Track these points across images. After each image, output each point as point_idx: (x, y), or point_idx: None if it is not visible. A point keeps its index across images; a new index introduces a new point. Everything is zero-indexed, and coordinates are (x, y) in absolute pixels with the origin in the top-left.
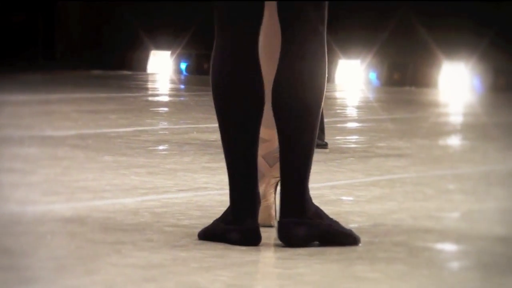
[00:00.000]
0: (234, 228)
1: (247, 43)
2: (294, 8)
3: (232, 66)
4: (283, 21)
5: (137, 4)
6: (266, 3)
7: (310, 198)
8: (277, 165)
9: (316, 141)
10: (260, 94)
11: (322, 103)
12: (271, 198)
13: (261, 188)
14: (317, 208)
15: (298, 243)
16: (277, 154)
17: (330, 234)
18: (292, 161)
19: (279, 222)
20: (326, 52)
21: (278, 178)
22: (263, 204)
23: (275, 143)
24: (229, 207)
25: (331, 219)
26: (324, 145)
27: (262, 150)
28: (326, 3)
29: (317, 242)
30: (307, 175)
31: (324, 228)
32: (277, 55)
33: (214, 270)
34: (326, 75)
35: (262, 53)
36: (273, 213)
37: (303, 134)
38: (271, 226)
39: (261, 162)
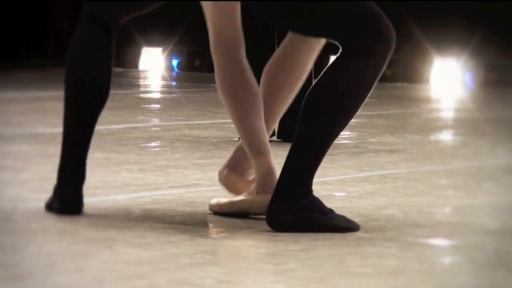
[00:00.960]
0: (55, 198)
1: (101, 39)
2: None
3: (85, 57)
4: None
5: None
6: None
7: (307, 191)
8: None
9: None
10: (103, 88)
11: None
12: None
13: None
14: (311, 202)
15: (283, 229)
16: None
17: (318, 229)
18: (296, 152)
19: (268, 207)
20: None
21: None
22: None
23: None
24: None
25: (325, 216)
26: None
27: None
28: None
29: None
30: (308, 169)
31: (312, 222)
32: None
33: (205, 266)
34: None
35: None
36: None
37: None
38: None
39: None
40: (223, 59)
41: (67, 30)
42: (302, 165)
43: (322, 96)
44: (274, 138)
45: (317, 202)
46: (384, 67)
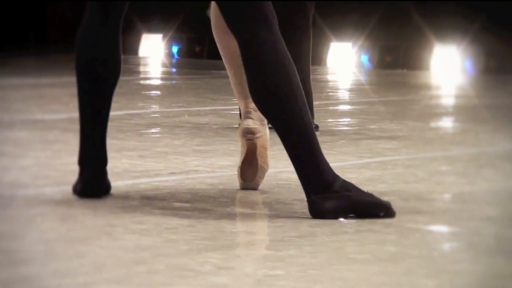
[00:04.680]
0: (79, 179)
1: (109, 21)
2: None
3: (93, 40)
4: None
5: None
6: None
7: (331, 173)
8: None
9: None
10: (114, 69)
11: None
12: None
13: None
14: (343, 181)
15: (330, 216)
16: (261, 122)
17: (362, 206)
18: (292, 145)
19: (308, 200)
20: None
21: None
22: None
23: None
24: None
25: (362, 191)
26: (314, 128)
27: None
28: None
29: (352, 215)
30: (314, 151)
31: (354, 199)
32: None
33: (204, 252)
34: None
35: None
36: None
37: (288, 116)
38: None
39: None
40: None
41: (67, 16)
42: (309, 150)
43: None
44: None
45: (348, 182)
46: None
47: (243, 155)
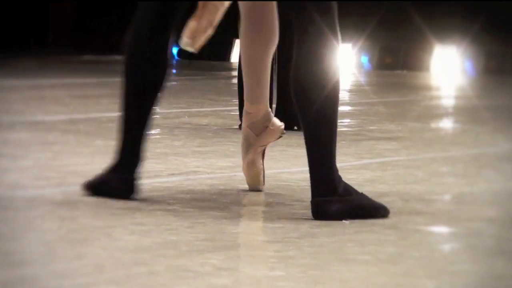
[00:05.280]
0: (114, 177)
1: (160, 21)
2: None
3: (143, 40)
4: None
5: None
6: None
7: (338, 176)
8: (263, 134)
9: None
10: (164, 70)
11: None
12: (259, 165)
13: (249, 156)
14: (346, 185)
15: (333, 218)
16: (264, 124)
17: (361, 209)
18: (317, 146)
19: (312, 202)
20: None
21: (265, 146)
22: (252, 171)
23: (259, 115)
24: (114, 160)
25: (360, 193)
26: None
27: (246, 121)
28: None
29: (348, 219)
30: (333, 154)
31: (355, 203)
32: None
33: (204, 253)
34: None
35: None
36: (261, 178)
37: (320, 114)
38: (259, 190)
39: (247, 132)
40: None
41: (68, 18)
42: (328, 155)
43: (309, 84)
44: None
45: (348, 185)
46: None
47: (260, 160)
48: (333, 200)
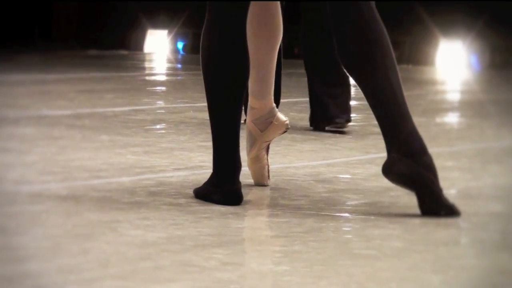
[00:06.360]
0: (216, 190)
1: (234, 19)
2: None
3: (219, 41)
4: None
5: None
6: None
7: (419, 143)
8: (268, 129)
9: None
10: (244, 70)
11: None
12: (264, 160)
13: (253, 152)
14: (431, 162)
15: (392, 179)
16: (268, 119)
17: (429, 194)
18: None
19: (388, 155)
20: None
21: (269, 142)
22: (257, 166)
23: (264, 110)
24: (213, 171)
25: (438, 183)
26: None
27: (251, 116)
28: None
29: (411, 191)
30: (402, 110)
31: (427, 183)
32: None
33: (210, 248)
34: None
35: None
36: (266, 173)
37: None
38: (265, 185)
39: (252, 127)
40: None
41: (73, 13)
42: (409, 118)
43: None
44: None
45: (434, 167)
46: None
47: (265, 156)
48: (407, 162)
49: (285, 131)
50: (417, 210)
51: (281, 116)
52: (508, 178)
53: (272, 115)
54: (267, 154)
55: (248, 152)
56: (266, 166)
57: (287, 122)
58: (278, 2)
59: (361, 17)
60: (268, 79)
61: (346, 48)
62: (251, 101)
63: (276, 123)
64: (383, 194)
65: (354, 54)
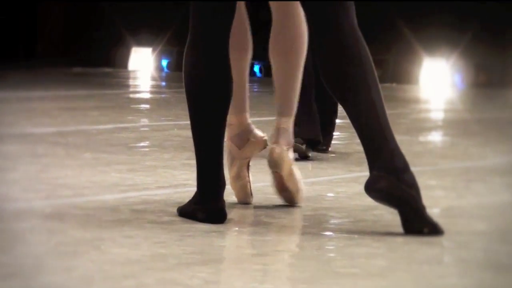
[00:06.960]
0: (200, 208)
1: (217, 37)
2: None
3: (201, 59)
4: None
5: (118, 1)
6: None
7: (401, 160)
8: (246, 146)
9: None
10: (228, 89)
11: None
12: (246, 177)
13: (234, 170)
14: (413, 179)
15: (374, 197)
16: (245, 136)
17: (412, 212)
18: (362, 126)
19: (370, 173)
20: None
21: (249, 159)
22: (238, 184)
23: (240, 127)
24: (197, 189)
25: (421, 200)
26: (323, 150)
27: (229, 133)
28: None
29: (395, 209)
30: (384, 128)
31: (410, 201)
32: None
33: (193, 266)
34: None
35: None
36: (249, 191)
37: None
38: (248, 203)
39: (229, 145)
40: None
41: (57, 30)
42: (391, 136)
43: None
44: None
45: (416, 183)
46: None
47: (275, 184)
48: (387, 178)
49: (264, 148)
50: (401, 229)
51: (258, 132)
52: (491, 197)
53: (249, 132)
54: (248, 172)
55: (229, 170)
56: (248, 184)
57: (265, 138)
58: (246, 20)
59: (343, 36)
60: (240, 94)
61: (327, 68)
62: (228, 118)
63: (253, 139)
64: (367, 213)
65: (335, 74)
